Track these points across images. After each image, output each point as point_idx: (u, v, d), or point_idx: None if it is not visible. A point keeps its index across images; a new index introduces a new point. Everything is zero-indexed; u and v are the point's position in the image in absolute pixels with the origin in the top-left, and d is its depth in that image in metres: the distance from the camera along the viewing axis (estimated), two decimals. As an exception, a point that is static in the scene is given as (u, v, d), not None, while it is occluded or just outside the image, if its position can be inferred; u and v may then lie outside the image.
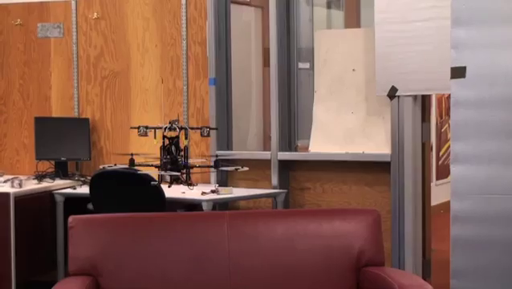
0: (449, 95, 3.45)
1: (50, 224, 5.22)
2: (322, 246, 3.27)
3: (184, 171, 3.88)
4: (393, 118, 4.80)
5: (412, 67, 4.59)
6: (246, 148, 5.69)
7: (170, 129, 3.84)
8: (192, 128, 4.13)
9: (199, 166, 4.03)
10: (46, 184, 5.34)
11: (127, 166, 4.45)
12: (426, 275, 4.85)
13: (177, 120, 4.04)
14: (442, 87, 4.70)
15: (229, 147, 5.56)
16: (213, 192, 4.94)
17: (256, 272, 3.21)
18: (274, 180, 5.23)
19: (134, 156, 4.20)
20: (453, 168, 3.27)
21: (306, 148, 5.34)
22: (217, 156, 4.13)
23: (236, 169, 4.22)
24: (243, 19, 5.81)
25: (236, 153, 5.47)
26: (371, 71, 4.86)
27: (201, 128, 4.04)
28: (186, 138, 3.86)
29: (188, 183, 3.95)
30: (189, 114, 5.61)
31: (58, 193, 5.24)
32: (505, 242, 3.22)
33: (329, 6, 6.03)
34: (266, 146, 5.71)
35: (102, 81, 5.85)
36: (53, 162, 5.66)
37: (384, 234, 4.50)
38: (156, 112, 5.70)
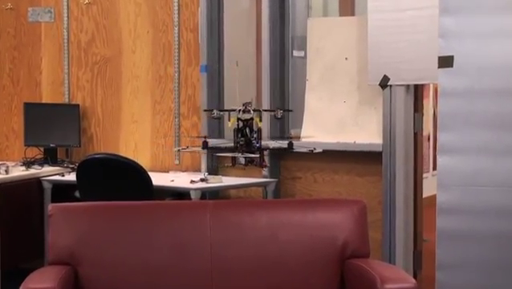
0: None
1: (38, 211, 5.17)
2: (306, 236, 3.22)
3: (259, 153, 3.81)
4: (385, 107, 4.74)
5: (405, 56, 4.53)
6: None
7: (244, 112, 3.81)
8: (266, 111, 4.05)
9: (273, 148, 3.97)
10: (34, 170, 5.30)
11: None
12: (417, 267, 4.80)
13: (251, 103, 4.00)
14: (435, 77, 4.64)
15: (220, 134, 5.50)
16: (202, 180, 4.90)
17: (238, 262, 3.16)
18: (265, 169, 5.17)
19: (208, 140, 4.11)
20: (439, 159, 3.21)
21: (298, 137, 5.29)
22: (291, 137, 4.07)
23: (311, 151, 4.17)
24: (237, 5, 5.73)
25: (228, 141, 5.41)
26: (363, 59, 4.79)
27: (274, 110, 3.99)
28: (261, 120, 3.83)
29: (263, 165, 3.93)
30: (180, 101, 5.55)
31: (46, 180, 5.19)
32: (491, 235, 3.17)
33: (325, -7, 5.96)
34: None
35: (93, 67, 5.79)
36: (42, 148, 5.61)
37: (374, 224, 4.46)
38: (147, 99, 5.65)
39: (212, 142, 5.36)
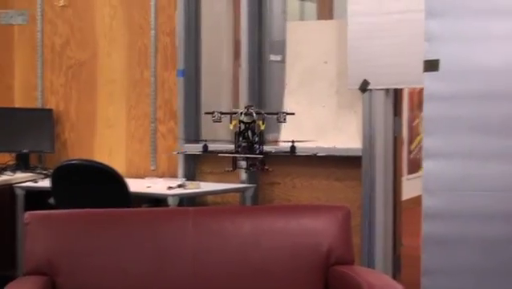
0: (421, 89, 3.33)
1: (10, 218, 5.05)
2: (289, 243, 3.15)
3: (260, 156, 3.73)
4: (365, 112, 4.70)
5: (385, 60, 4.50)
6: (215, 141, 5.55)
7: (246, 114, 3.73)
8: (268, 114, 4.00)
9: (275, 152, 3.90)
10: (6, 177, 5.17)
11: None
12: (396, 272, 4.77)
13: (253, 105, 3.95)
14: (415, 81, 4.59)
15: (197, 140, 5.43)
16: (179, 186, 4.82)
17: (221, 270, 3.09)
18: (243, 174, 5.11)
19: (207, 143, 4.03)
20: (425, 164, 3.16)
21: (275, 142, 5.23)
22: (293, 141, 4.02)
23: (315, 154, 4.11)
24: (214, 10, 5.67)
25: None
26: (343, 63, 4.75)
27: (277, 114, 3.93)
28: (263, 123, 3.77)
29: (264, 168, 3.86)
30: (157, 106, 5.47)
31: (18, 187, 5.06)
32: (477, 240, 3.12)
33: (302, -2, 5.93)
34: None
35: (67, 71, 5.69)
36: (14, 154, 5.49)
37: (353, 229, 4.39)
38: (122, 104, 5.56)
39: (190, 147, 5.32)
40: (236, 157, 3.59)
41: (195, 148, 5.31)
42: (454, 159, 3.13)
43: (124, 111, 5.54)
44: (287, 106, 5.12)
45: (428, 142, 3.15)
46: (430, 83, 3.12)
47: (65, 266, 2.99)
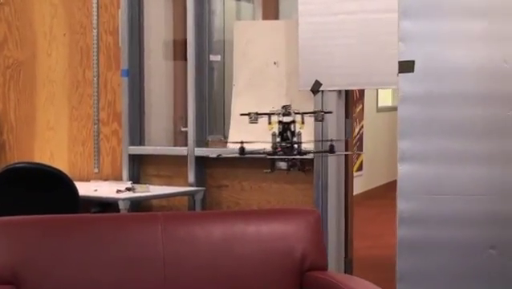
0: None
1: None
2: (262, 249, 3.06)
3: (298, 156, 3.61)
4: (317, 113, 4.65)
5: (337, 60, 4.44)
6: (155, 143, 5.42)
7: (284, 114, 3.60)
8: (306, 113, 3.86)
9: (314, 152, 3.78)
10: None
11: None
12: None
13: (290, 106, 3.83)
14: (367, 83, 4.58)
15: (141, 142, 5.32)
16: (128, 189, 4.69)
17: (193, 277, 2.98)
18: (191, 177, 5.02)
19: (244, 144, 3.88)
20: (399, 168, 3.12)
21: (218, 143, 5.15)
22: (331, 140, 3.89)
23: (356, 153, 4.00)
24: (154, 8, 5.55)
25: (150, 149, 5.25)
26: (292, 64, 4.69)
27: (315, 112, 3.81)
28: (303, 122, 3.64)
29: (305, 169, 3.74)
30: (100, 107, 5.31)
31: (-45, 192, 4.83)
32: (453, 244, 3.10)
33: (239, -2, 5.88)
34: (176, 141, 5.48)
35: (5, 71, 5.48)
36: (-50, 158, 5.27)
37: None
38: (64, 105, 5.37)
39: (136, 150, 5.20)
40: (274, 159, 3.51)
41: (141, 150, 5.22)
42: (429, 162, 3.10)
43: (66, 112, 5.36)
44: (235, 107, 5.04)
45: (403, 145, 3.12)
46: (404, 84, 3.08)
47: (31, 275, 2.83)
